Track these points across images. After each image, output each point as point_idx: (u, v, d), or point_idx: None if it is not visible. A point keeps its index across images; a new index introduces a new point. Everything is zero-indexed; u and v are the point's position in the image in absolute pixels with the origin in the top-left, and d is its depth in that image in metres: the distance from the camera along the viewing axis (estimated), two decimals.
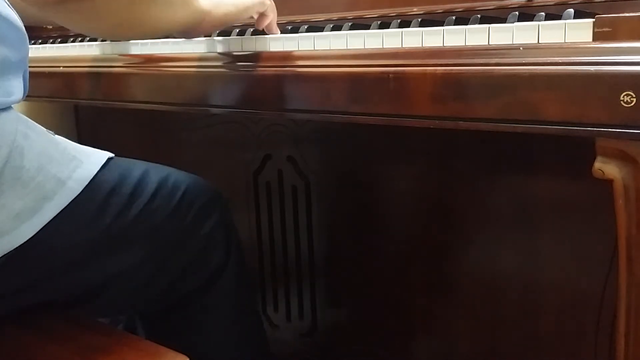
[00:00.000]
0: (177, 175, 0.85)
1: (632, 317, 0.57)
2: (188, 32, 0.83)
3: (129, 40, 0.95)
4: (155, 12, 0.76)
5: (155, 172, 0.83)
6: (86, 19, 0.75)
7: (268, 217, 1.26)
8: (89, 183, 0.73)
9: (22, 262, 0.69)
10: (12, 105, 0.70)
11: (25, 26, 0.71)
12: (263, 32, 0.87)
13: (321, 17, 0.95)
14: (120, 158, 0.81)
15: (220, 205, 0.89)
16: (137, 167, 0.82)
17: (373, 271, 1.14)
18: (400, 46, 0.67)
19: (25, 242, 0.68)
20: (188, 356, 0.68)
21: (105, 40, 1.04)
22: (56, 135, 0.76)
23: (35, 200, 0.68)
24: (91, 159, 0.76)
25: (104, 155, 0.78)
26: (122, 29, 0.79)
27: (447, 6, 0.82)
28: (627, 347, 0.58)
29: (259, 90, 0.77)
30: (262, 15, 0.86)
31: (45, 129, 0.75)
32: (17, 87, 0.71)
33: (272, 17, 0.87)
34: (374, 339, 1.17)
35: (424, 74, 0.62)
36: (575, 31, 0.56)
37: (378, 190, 1.12)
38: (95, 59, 1.00)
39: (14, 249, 0.68)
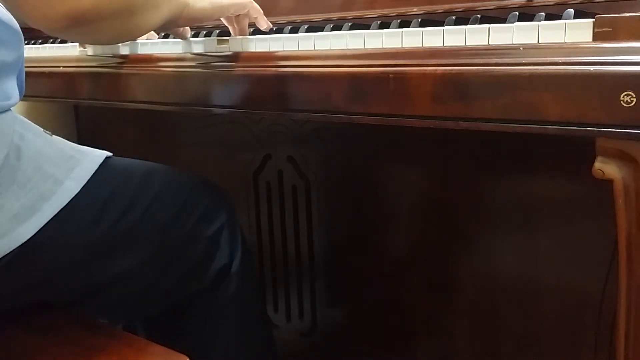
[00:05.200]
0: (181, 176, 0.84)
1: (632, 317, 0.57)
2: (168, 25, 0.83)
3: (123, 42, 0.96)
4: (148, 17, 0.77)
5: (159, 173, 0.81)
6: (90, 38, 0.82)
7: (268, 217, 1.26)
8: (87, 182, 0.72)
9: (23, 263, 0.68)
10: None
11: (22, 27, 0.70)
12: (262, 32, 0.87)
13: (321, 17, 0.95)
14: (121, 158, 0.80)
15: (226, 207, 0.87)
16: (139, 168, 0.81)
17: (373, 271, 1.14)
18: (400, 46, 0.67)
19: (24, 243, 0.67)
20: (188, 356, 0.68)
21: None
22: (53, 136, 0.76)
23: (33, 201, 0.68)
24: (89, 158, 0.75)
25: (102, 154, 0.77)
26: (121, 39, 0.86)
27: (447, 6, 0.82)
28: (627, 347, 0.58)
29: (259, 90, 0.77)
30: (241, 17, 0.85)
31: (42, 129, 0.75)
32: (13, 89, 0.70)
33: (255, 17, 0.86)
34: (374, 339, 1.17)
35: (424, 74, 0.62)
36: (575, 31, 0.56)
37: (378, 190, 1.12)
38: (95, 59, 1.00)
39: (14, 251, 0.67)
